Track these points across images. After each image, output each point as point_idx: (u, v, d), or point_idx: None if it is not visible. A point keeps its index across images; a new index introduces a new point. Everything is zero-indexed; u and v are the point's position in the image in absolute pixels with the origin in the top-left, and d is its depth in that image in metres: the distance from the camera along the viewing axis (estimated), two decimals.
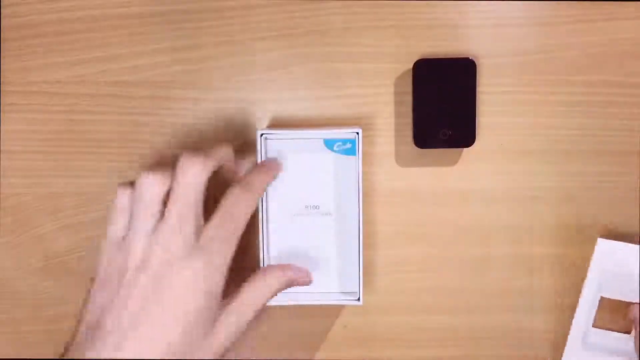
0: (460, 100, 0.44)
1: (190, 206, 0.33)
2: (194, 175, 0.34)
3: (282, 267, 0.39)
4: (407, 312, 0.49)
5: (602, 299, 0.47)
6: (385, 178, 0.47)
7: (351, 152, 0.42)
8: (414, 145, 0.45)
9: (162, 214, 0.34)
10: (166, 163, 0.36)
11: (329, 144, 0.42)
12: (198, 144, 0.47)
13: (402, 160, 0.47)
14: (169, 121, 0.47)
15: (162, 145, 0.47)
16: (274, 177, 0.40)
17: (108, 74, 0.47)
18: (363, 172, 0.43)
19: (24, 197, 0.48)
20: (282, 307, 0.47)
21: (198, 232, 0.33)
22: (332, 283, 0.44)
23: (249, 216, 0.36)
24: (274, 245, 0.43)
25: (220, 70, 0.47)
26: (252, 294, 0.36)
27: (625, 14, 0.46)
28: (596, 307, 0.47)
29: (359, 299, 0.43)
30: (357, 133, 0.42)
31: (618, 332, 0.47)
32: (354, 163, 0.42)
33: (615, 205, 0.47)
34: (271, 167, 0.40)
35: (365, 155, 0.44)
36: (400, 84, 0.46)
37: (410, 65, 0.45)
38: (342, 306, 0.48)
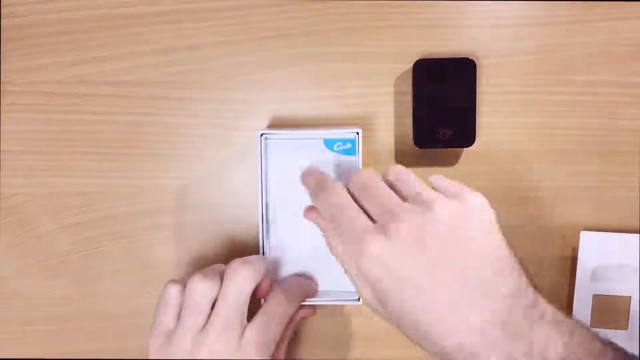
0: (460, 100, 0.44)
1: (236, 311, 0.37)
2: (241, 282, 0.37)
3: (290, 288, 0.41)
4: None
5: (594, 297, 0.47)
6: None
7: (351, 152, 0.42)
8: (414, 145, 0.45)
9: (210, 315, 0.37)
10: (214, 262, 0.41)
11: (329, 144, 0.42)
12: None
13: (402, 160, 0.47)
14: (169, 121, 0.47)
15: (162, 145, 0.47)
16: (311, 295, 0.43)
17: (108, 74, 0.47)
18: None
19: (24, 197, 0.48)
20: None
21: (241, 335, 0.37)
22: (332, 283, 0.44)
23: (288, 318, 0.40)
24: (274, 246, 0.43)
25: (220, 70, 0.47)
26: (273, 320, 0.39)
27: (625, 14, 0.46)
28: (590, 307, 0.47)
29: (359, 299, 0.43)
30: (357, 133, 0.42)
31: (615, 329, 0.47)
32: (354, 163, 0.42)
33: (615, 205, 0.47)
34: (309, 284, 0.43)
35: (365, 155, 0.44)
36: (400, 84, 0.46)
37: (410, 65, 0.45)
38: (342, 306, 0.48)
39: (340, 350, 0.49)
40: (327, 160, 0.42)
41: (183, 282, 0.38)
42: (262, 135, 0.42)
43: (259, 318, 0.38)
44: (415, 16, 0.46)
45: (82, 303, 0.48)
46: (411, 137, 0.45)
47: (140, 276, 0.48)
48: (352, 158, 0.42)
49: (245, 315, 0.38)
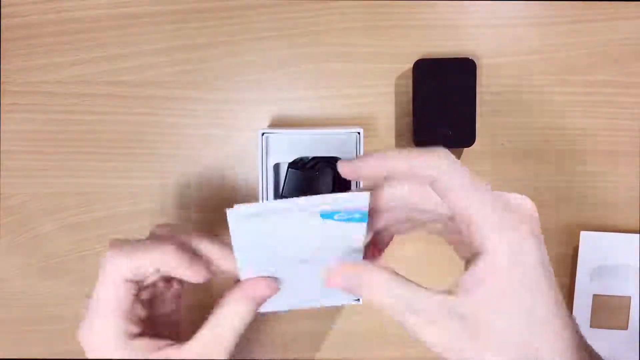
0: (460, 100, 0.44)
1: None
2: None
3: (241, 289, 0.32)
4: None
5: (595, 297, 0.47)
6: None
7: (356, 219, 0.30)
8: (414, 145, 0.45)
9: None
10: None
11: (327, 215, 0.29)
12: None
13: None
14: (169, 121, 0.47)
15: (162, 145, 0.47)
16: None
17: (108, 74, 0.47)
18: None
19: (24, 197, 0.48)
20: None
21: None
22: None
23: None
24: None
25: (220, 70, 0.47)
26: (217, 330, 0.32)
27: (625, 14, 0.46)
28: (590, 307, 0.47)
29: (359, 299, 0.43)
30: (358, 133, 0.42)
31: (616, 329, 0.47)
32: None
33: (615, 205, 0.47)
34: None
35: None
36: (400, 84, 0.46)
37: (410, 65, 0.45)
38: (342, 306, 0.48)
39: (340, 350, 0.49)
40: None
41: None
42: (263, 134, 0.42)
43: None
44: (415, 16, 0.46)
45: (82, 303, 0.48)
46: (411, 137, 0.45)
47: None
48: (358, 226, 0.30)
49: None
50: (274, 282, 0.32)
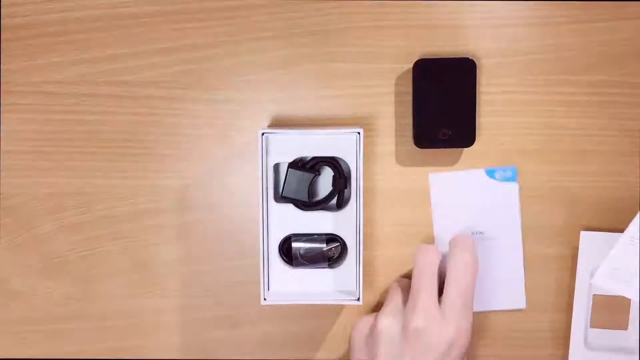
0: (460, 100, 0.44)
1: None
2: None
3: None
4: None
5: (594, 297, 0.47)
6: (385, 178, 0.47)
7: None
8: (414, 145, 0.45)
9: None
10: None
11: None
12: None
13: (402, 160, 0.47)
14: (169, 121, 0.47)
15: (162, 145, 0.47)
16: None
17: (108, 74, 0.47)
18: (363, 172, 0.43)
19: (24, 197, 0.48)
20: (282, 307, 0.47)
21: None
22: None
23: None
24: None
25: (220, 70, 0.47)
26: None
27: (625, 14, 0.46)
28: (590, 307, 0.47)
29: (358, 299, 0.43)
30: (358, 133, 0.42)
31: (616, 329, 0.47)
32: (356, 163, 0.42)
33: (615, 205, 0.47)
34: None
35: (365, 155, 0.44)
36: (400, 84, 0.46)
37: (410, 65, 0.45)
38: (342, 306, 0.48)
39: (340, 350, 0.49)
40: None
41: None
42: (263, 134, 0.42)
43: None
44: (415, 16, 0.46)
45: (82, 303, 0.48)
46: (411, 137, 0.45)
47: (140, 276, 0.48)
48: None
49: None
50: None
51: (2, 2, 0.46)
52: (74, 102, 0.47)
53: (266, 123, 0.47)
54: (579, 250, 0.47)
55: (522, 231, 0.47)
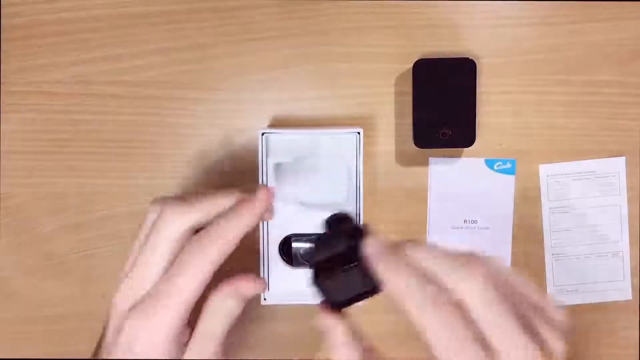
0: (460, 100, 0.44)
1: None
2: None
3: (229, 284, 0.33)
4: None
5: None
6: (385, 178, 0.47)
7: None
8: (414, 145, 0.45)
9: None
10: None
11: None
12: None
13: (402, 160, 0.47)
14: (169, 121, 0.47)
15: (162, 145, 0.47)
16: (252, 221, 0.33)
17: (108, 74, 0.47)
18: (363, 172, 0.43)
19: (24, 197, 0.48)
20: (281, 307, 0.47)
21: None
22: None
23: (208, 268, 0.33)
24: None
25: (220, 70, 0.47)
26: (208, 326, 0.33)
27: (625, 14, 0.46)
28: None
29: None
30: (358, 133, 0.42)
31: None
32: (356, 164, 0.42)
33: None
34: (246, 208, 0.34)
35: (365, 155, 0.44)
36: (400, 84, 0.46)
37: (410, 65, 0.45)
38: None
39: None
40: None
41: None
42: (263, 134, 0.42)
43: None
44: (415, 16, 0.46)
45: (82, 303, 0.48)
46: (411, 137, 0.46)
47: None
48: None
49: None
50: (262, 280, 0.34)
51: (2, 2, 0.46)
52: (74, 102, 0.47)
53: (266, 123, 0.47)
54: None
55: (515, 230, 0.47)
